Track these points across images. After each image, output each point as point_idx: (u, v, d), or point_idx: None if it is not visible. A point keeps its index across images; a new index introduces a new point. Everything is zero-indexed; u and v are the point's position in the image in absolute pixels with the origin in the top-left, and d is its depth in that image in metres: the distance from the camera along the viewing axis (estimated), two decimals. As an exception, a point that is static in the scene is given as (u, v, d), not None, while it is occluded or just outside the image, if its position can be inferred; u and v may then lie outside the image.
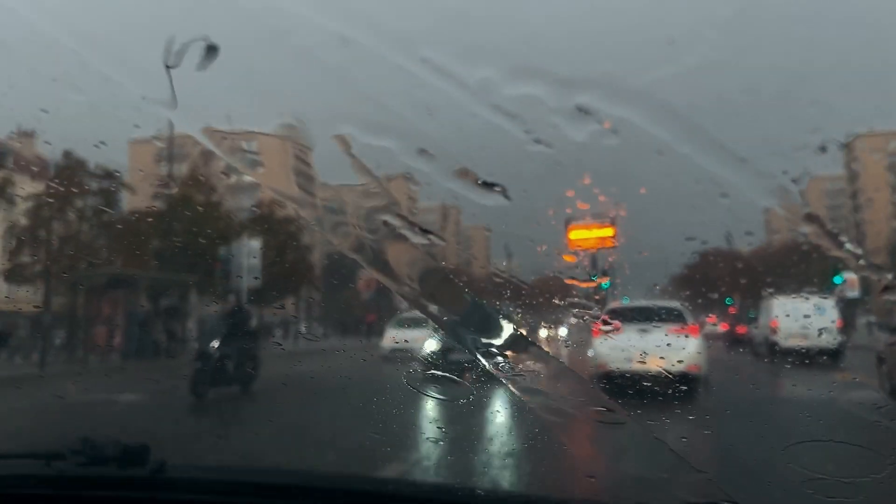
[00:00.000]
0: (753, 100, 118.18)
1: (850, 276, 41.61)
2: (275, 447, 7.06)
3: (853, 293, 40.28)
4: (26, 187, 29.08)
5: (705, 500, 2.54)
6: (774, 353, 19.66)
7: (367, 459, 6.30)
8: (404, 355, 13.15)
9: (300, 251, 42.93)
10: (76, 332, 24.58)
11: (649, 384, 10.16)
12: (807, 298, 22.68)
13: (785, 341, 19.66)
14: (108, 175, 29.06)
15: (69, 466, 2.05)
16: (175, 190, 33.17)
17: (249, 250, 29.15)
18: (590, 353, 12.65)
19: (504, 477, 5.50)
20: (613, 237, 29.63)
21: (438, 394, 9.43)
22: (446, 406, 7.74)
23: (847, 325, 32.75)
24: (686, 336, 12.40)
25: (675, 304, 14.59)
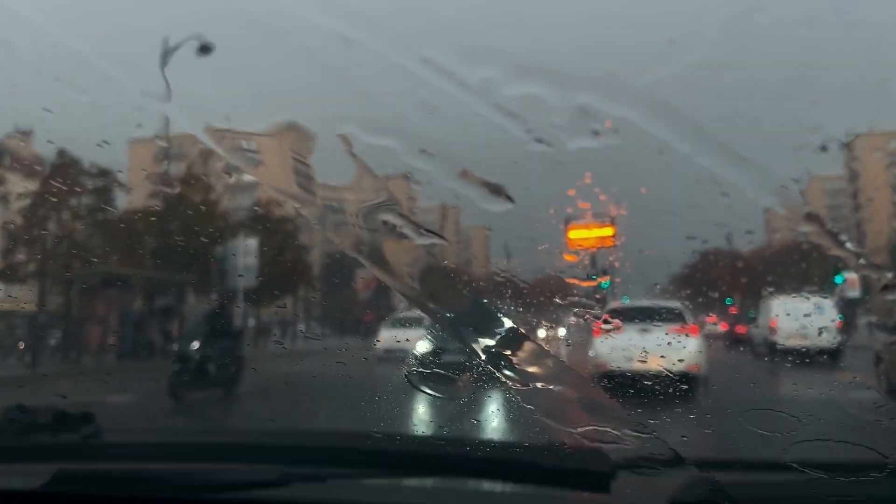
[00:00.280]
0: (754, 99, 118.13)
1: (851, 275, 41.61)
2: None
3: (854, 293, 40.25)
4: (21, 186, 29.02)
5: (706, 500, 2.54)
6: (774, 352, 19.66)
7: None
8: (399, 356, 12.87)
9: (298, 250, 42.92)
10: (70, 331, 24.50)
11: (649, 384, 10.16)
12: (806, 298, 22.65)
13: (784, 341, 19.66)
14: (103, 173, 28.94)
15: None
16: (178, 190, 33.17)
17: (246, 249, 29.16)
18: (590, 352, 12.67)
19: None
20: (613, 236, 29.68)
21: (433, 395, 9.41)
22: (441, 407, 7.72)
23: (848, 325, 32.78)
24: (686, 336, 12.42)
25: (675, 303, 14.61)
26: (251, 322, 39.78)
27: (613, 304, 15.71)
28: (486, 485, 2.58)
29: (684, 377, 11.19)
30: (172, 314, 26.62)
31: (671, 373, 10.63)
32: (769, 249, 69.54)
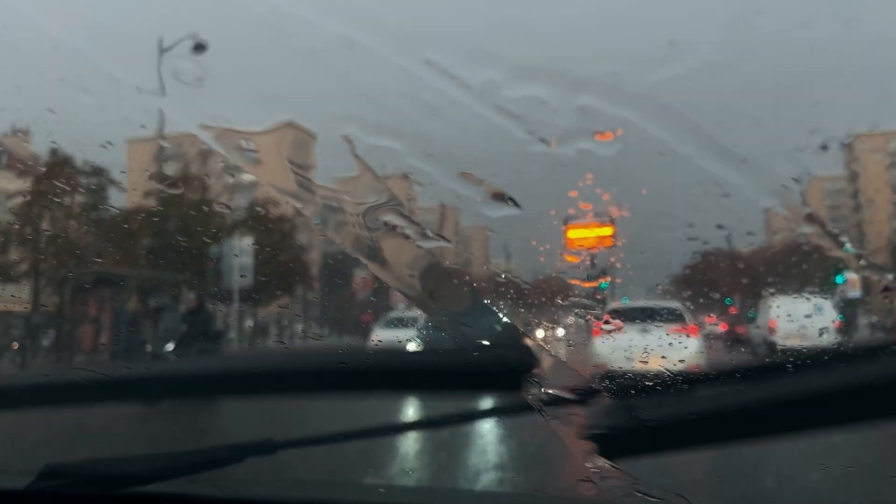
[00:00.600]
0: (754, 100, 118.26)
1: (852, 275, 41.63)
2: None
3: (854, 293, 40.26)
4: (14, 185, 28.91)
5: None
6: (773, 353, 19.65)
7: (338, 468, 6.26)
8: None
9: (296, 250, 42.89)
10: (63, 332, 24.37)
11: (650, 384, 10.15)
12: (806, 299, 22.65)
13: (783, 341, 19.67)
14: (97, 172, 28.79)
15: None
16: (174, 189, 33.03)
17: (242, 248, 29.11)
18: (590, 352, 12.67)
19: (498, 479, 5.49)
20: (612, 236, 29.68)
21: (426, 397, 9.32)
22: (434, 411, 7.66)
23: (848, 326, 32.79)
24: (686, 336, 12.42)
25: (674, 304, 14.61)
26: (248, 322, 39.76)
27: (613, 305, 15.71)
28: None
29: (684, 377, 11.17)
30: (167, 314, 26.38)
31: (671, 373, 10.65)
32: (769, 250, 69.51)
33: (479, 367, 2.01)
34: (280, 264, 37.41)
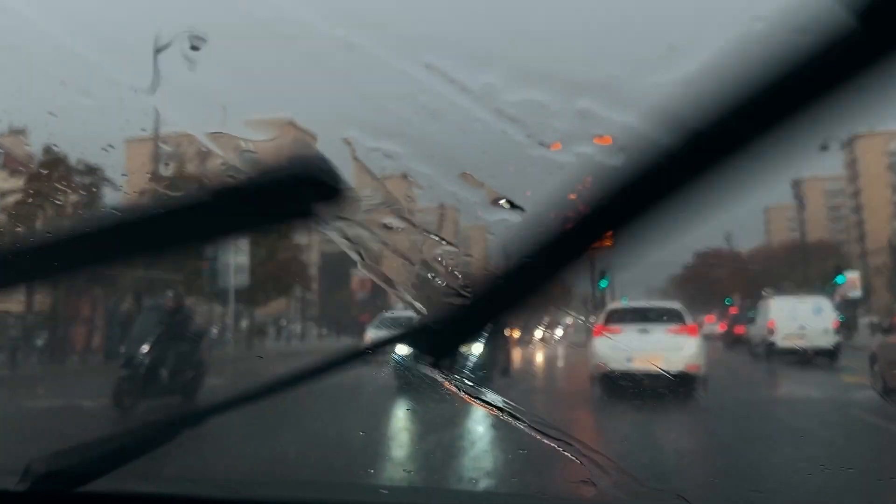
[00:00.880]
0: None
1: (852, 275, 41.70)
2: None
3: (855, 293, 40.32)
4: (8, 184, 28.76)
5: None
6: (772, 353, 19.66)
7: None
8: (386, 358, 12.57)
9: (293, 250, 42.83)
10: (55, 332, 24.22)
11: (649, 384, 10.20)
12: (804, 299, 22.65)
13: (782, 341, 19.68)
14: (90, 171, 28.65)
15: None
16: (169, 188, 32.88)
17: (237, 249, 28.97)
18: (590, 353, 12.67)
19: (498, 480, 5.49)
20: (611, 236, 29.75)
21: (413, 402, 9.27)
22: (419, 416, 7.64)
23: (849, 325, 32.82)
24: (685, 336, 12.40)
25: (674, 304, 14.60)
26: (244, 322, 39.71)
27: (613, 305, 15.70)
28: None
29: (684, 377, 11.21)
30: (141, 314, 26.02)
31: (670, 373, 10.66)
32: (769, 250, 69.57)
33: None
34: (277, 264, 37.29)
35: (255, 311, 39.61)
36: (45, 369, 20.97)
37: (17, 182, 29.04)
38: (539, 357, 23.59)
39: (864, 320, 37.19)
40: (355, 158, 2.31)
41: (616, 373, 11.52)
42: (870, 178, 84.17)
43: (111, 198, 30.93)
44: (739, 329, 27.32)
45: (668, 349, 11.84)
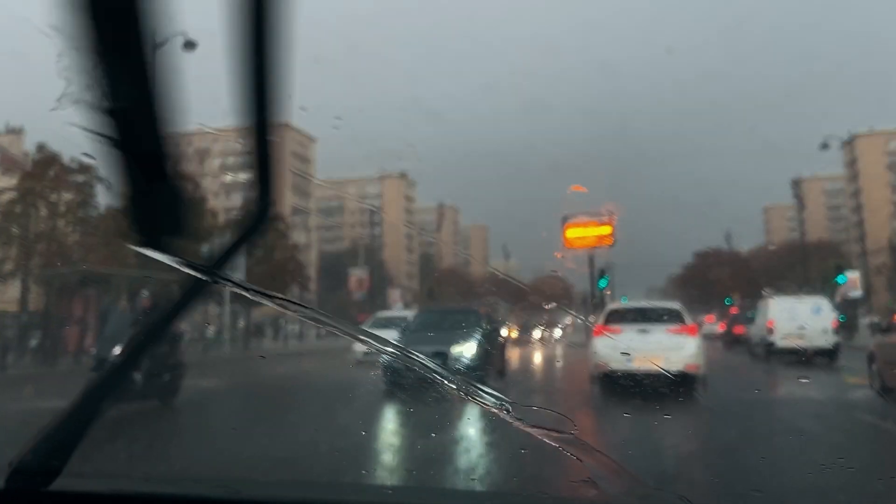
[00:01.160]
0: (754, 102, 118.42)
1: (853, 275, 41.72)
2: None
3: (856, 293, 40.33)
4: (1, 182, 28.60)
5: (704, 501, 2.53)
6: (771, 352, 19.65)
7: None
8: (378, 359, 11.95)
9: (290, 249, 42.77)
10: (48, 332, 24.04)
11: (649, 383, 10.19)
12: (803, 299, 22.65)
13: (781, 341, 19.66)
14: (84, 169, 28.42)
15: None
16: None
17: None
18: (590, 352, 12.68)
19: (498, 480, 5.47)
20: (611, 235, 29.72)
21: (412, 403, 9.17)
22: (418, 417, 7.60)
23: (849, 325, 32.81)
24: (685, 336, 12.40)
25: (673, 304, 14.60)
26: (241, 322, 39.64)
27: (613, 305, 15.73)
28: None
29: (683, 377, 11.22)
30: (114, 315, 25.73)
31: (670, 373, 10.65)
32: (769, 250, 69.54)
33: None
34: (274, 264, 37.22)
35: (251, 312, 39.56)
36: (37, 370, 20.87)
37: (11, 181, 28.90)
38: (537, 357, 23.57)
39: (864, 320, 37.18)
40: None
41: (616, 372, 11.53)
42: (869, 177, 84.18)
43: (105, 197, 30.79)
44: (739, 329, 27.32)
45: (667, 349, 11.85)
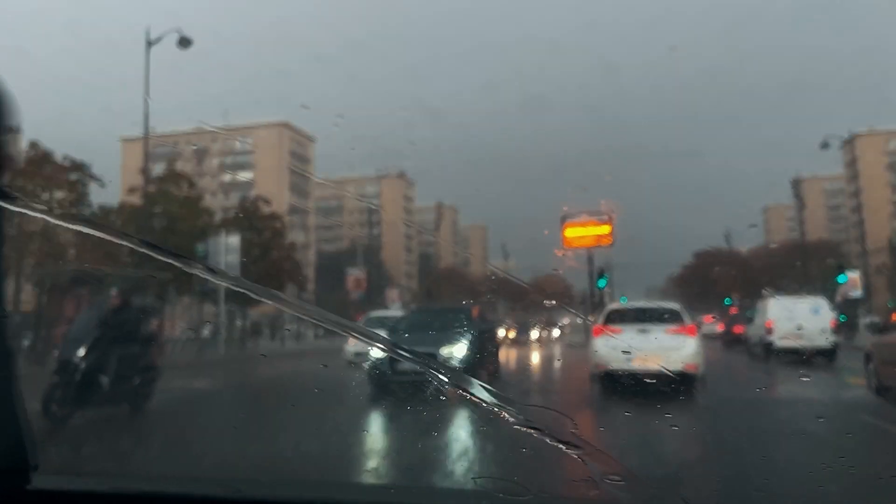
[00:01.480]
0: (754, 102, 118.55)
1: (854, 275, 41.73)
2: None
3: (856, 292, 40.36)
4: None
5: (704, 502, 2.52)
6: (770, 352, 19.69)
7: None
8: (371, 359, 11.50)
9: (286, 248, 42.70)
10: (39, 333, 23.92)
11: (648, 383, 10.19)
12: (802, 299, 22.72)
13: (780, 341, 19.69)
14: (76, 167, 28.31)
15: None
16: (159, 186, 32.48)
17: (229, 246, 28.84)
18: (590, 352, 12.72)
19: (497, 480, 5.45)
20: (610, 235, 29.75)
21: (399, 403, 9.09)
22: (417, 417, 7.57)
23: (850, 325, 32.85)
24: (684, 336, 12.45)
25: (673, 304, 14.65)
26: (238, 321, 39.58)
27: (612, 305, 15.78)
28: None
29: (682, 376, 11.26)
30: (149, 314, 25.60)
31: (669, 372, 10.67)
32: (769, 249, 69.48)
33: None
34: (270, 263, 37.16)
35: (248, 311, 39.52)
36: (29, 370, 20.81)
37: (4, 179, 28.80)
38: (534, 358, 23.54)
39: (865, 320, 37.20)
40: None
41: (616, 372, 11.57)
42: (869, 177, 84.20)
43: (98, 195, 30.65)
44: (738, 329, 27.34)
45: (666, 349, 11.90)
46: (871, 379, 12.01)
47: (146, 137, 27.37)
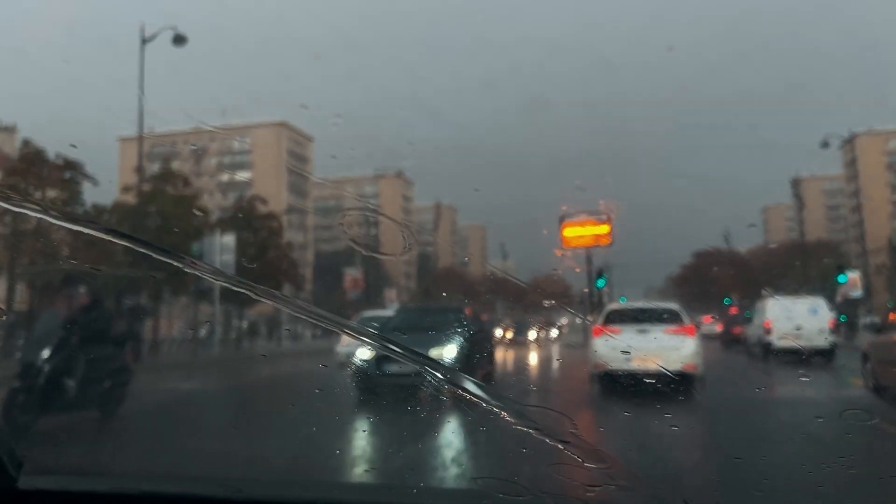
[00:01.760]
0: (753, 102, 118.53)
1: (854, 275, 41.74)
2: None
3: (857, 293, 40.37)
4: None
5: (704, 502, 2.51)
6: (768, 352, 19.72)
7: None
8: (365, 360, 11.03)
9: (282, 248, 42.64)
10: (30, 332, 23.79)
11: (647, 383, 10.19)
12: (801, 299, 22.78)
13: (778, 341, 19.72)
14: (69, 165, 28.20)
15: None
16: (153, 185, 32.34)
17: (223, 246, 28.77)
18: (590, 352, 12.74)
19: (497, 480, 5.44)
20: (609, 234, 29.72)
21: (387, 406, 9.00)
22: (416, 418, 7.55)
23: (851, 325, 32.88)
24: (683, 336, 12.49)
25: (672, 304, 14.69)
26: (234, 321, 39.49)
27: (612, 306, 15.84)
28: None
29: (681, 376, 11.28)
30: (142, 314, 25.52)
31: (669, 372, 10.68)
32: (768, 249, 69.52)
33: None
34: (266, 262, 37.09)
35: (244, 312, 39.46)
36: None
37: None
38: (532, 359, 23.49)
39: (865, 320, 37.23)
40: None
41: (615, 372, 11.59)
42: (869, 177, 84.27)
43: (93, 194, 30.50)
44: (737, 329, 27.37)
45: (666, 349, 11.94)
46: (867, 378, 12.09)
47: (140, 136, 27.31)
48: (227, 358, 27.56)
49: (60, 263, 25.52)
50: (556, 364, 20.62)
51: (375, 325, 15.00)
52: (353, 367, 10.90)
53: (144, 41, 25.76)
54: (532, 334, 30.16)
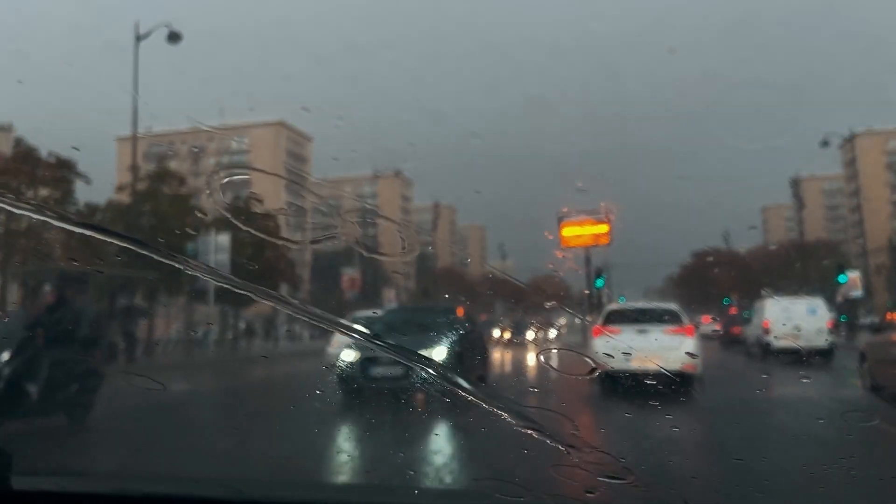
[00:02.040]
0: (753, 102, 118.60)
1: (854, 275, 41.73)
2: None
3: (857, 292, 40.37)
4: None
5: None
6: (767, 352, 19.75)
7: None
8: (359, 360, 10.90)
9: (279, 248, 42.59)
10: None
11: (647, 383, 10.18)
12: (800, 299, 22.83)
13: (777, 341, 19.75)
14: (62, 164, 28.13)
15: None
16: (148, 185, 32.29)
17: (218, 245, 28.72)
18: (589, 352, 12.74)
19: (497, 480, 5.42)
20: (608, 234, 29.68)
21: (385, 406, 8.94)
22: (416, 419, 7.51)
23: (851, 325, 32.90)
24: (682, 336, 12.52)
25: (671, 304, 14.72)
26: (231, 321, 39.40)
27: (612, 306, 15.86)
28: None
29: (681, 377, 11.29)
30: (135, 314, 25.64)
31: (668, 373, 10.69)
32: (768, 249, 69.51)
33: None
34: (263, 262, 37.02)
35: (241, 312, 39.36)
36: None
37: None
38: (529, 360, 23.44)
39: (865, 320, 37.24)
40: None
41: (615, 372, 11.59)
42: (869, 177, 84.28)
43: (88, 193, 30.42)
44: (736, 329, 27.39)
45: (665, 349, 11.96)
46: (865, 378, 12.14)
47: (135, 135, 27.30)
48: (222, 359, 27.49)
49: (52, 262, 25.49)
50: (553, 365, 20.49)
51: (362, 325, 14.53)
52: (339, 369, 10.71)
53: (139, 38, 25.78)
54: (530, 335, 30.10)
